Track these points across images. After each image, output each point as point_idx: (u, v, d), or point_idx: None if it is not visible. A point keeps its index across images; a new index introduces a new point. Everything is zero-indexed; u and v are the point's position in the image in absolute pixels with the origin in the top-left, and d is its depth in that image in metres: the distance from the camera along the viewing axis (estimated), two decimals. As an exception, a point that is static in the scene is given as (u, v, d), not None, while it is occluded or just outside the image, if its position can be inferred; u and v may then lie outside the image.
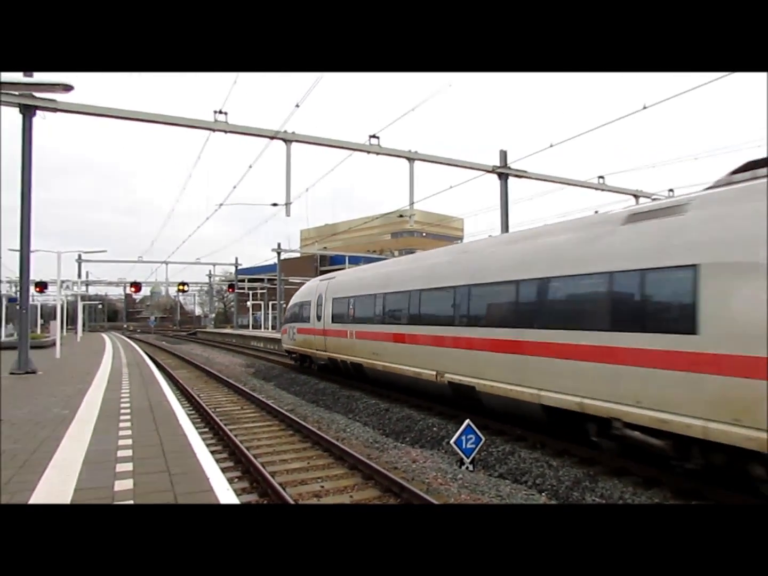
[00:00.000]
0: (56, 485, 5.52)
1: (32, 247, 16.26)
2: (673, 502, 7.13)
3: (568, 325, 8.61)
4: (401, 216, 24.43)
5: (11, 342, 26.76)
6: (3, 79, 10.02)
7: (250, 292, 69.57)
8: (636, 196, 24.48)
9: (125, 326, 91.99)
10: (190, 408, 14.22)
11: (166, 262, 56.11)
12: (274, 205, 20.92)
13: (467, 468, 8.80)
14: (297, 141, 17.91)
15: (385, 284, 15.20)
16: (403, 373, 13.57)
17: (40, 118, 15.59)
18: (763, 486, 6.45)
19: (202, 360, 29.49)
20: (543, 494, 7.87)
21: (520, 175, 21.97)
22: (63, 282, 32.82)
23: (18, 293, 19.29)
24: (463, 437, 8.78)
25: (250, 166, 19.04)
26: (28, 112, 15.33)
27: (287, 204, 18.32)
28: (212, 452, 7.52)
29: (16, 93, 14.55)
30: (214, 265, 69.97)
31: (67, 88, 9.94)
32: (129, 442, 7.45)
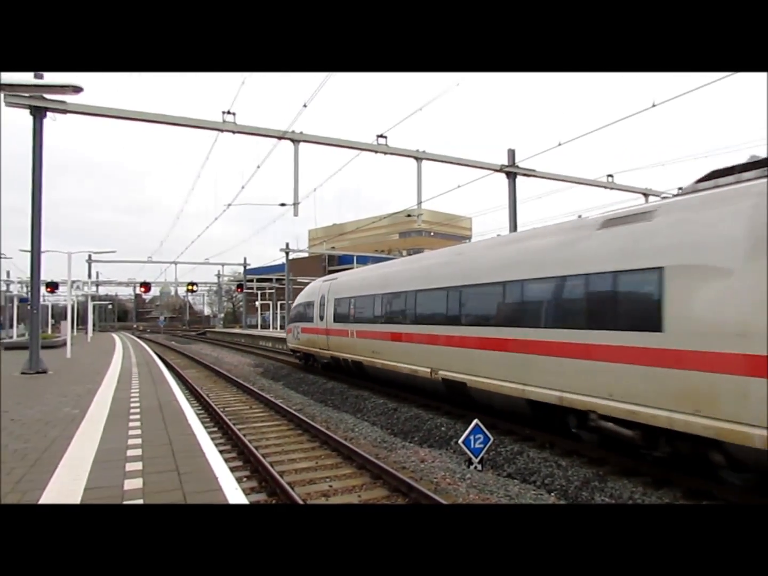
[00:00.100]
0: (67, 484, 5.56)
1: (43, 248, 16.37)
2: (683, 502, 7.08)
3: (548, 323, 9.17)
4: (409, 216, 24.41)
5: (22, 342, 27.01)
6: (13, 81, 10.11)
7: (259, 292, 69.80)
8: (645, 195, 24.33)
9: (135, 326, 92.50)
10: (199, 407, 14.28)
11: (176, 263, 56.47)
12: (282, 205, 20.97)
13: (476, 468, 8.78)
14: (305, 141, 17.96)
15: (384, 285, 15.75)
16: (401, 371, 14.09)
17: (50, 120, 15.71)
18: (723, 471, 6.94)
19: (211, 360, 29.60)
20: (552, 494, 7.84)
21: (529, 174, 21.90)
22: (73, 282, 33.05)
23: (29, 293, 19.44)
24: (472, 437, 8.76)
25: (258, 167, 19.14)
26: (38, 113, 15.45)
27: (295, 204, 18.37)
28: (221, 452, 7.55)
29: (27, 95, 14.68)
30: (222, 265, 70.34)
31: (77, 89, 10.01)
32: (138, 441, 7.49)
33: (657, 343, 7.15)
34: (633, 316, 7.66)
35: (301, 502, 7.06)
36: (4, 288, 58.66)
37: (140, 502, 5.06)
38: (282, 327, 55.56)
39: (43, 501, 5.07)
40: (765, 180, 6.56)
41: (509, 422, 10.57)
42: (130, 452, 6.88)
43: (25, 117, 15.50)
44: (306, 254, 70.91)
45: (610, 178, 23.06)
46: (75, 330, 42.57)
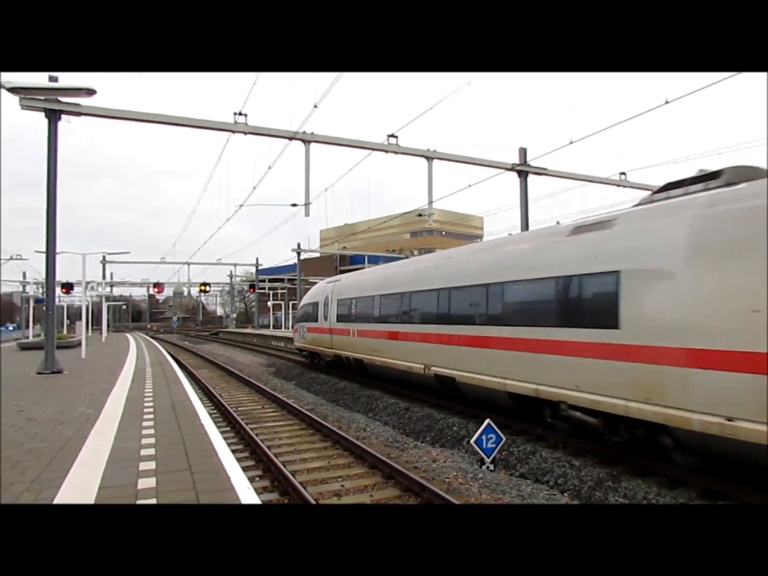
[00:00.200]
0: (82, 483, 5.61)
1: (58, 249, 16.53)
2: (698, 502, 7.01)
3: (525, 322, 9.98)
4: (420, 215, 24.37)
5: (38, 342, 27.32)
6: (29, 84, 10.24)
7: (271, 292, 70.08)
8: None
9: (149, 326, 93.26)
10: (212, 407, 14.35)
11: (188, 263, 56.80)
12: (294, 205, 21.04)
13: (488, 468, 8.75)
14: (316, 141, 17.98)
15: (382, 287, 16.63)
16: (397, 367, 14.90)
17: (64, 122, 15.87)
18: (674, 454, 7.67)
19: (223, 360, 29.76)
20: (565, 494, 7.79)
21: (540, 172, 21.79)
22: (88, 283, 33.40)
23: (45, 294, 19.66)
24: (484, 437, 8.73)
25: (270, 167, 19.18)
26: (53, 116, 15.59)
27: (306, 204, 18.40)
28: (233, 451, 7.58)
29: (42, 98, 14.85)
30: (235, 265, 70.62)
31: (90, 92, 10.14)
32: (152, 440, 7.55)
33: (614, 339, 7.93)
34: (595, 315, 8.39)
35: (313, 501, 7.07)
36: (20, 289, 59.45)
37: (153, 501, 5.10)
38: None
39: (58, 499, 5.12)
40: (704, 193, 7.51)
41: (522, 422, 10.55)
42: (143, 451, 6.93)
43: (40, 119, 15.66)
44: (317, 254, 71.09)
45: (622, 176, 22.87)
46: (90, 330, 42.99)
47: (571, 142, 17.17)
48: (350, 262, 71.41)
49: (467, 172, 20.05)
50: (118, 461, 6.46)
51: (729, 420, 6.38)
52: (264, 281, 69.32)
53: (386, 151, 18.90)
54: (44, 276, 17.33)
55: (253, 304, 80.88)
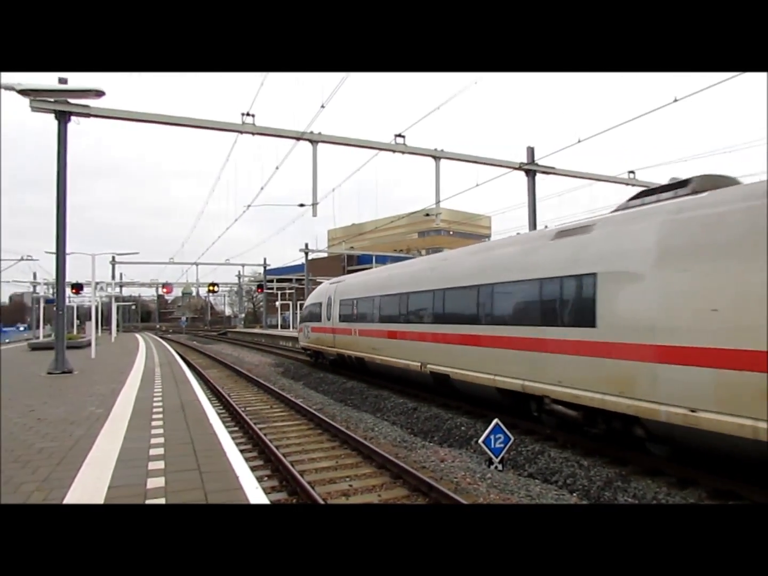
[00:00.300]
0: (91, 482, 5.65)
1: (68, 250, 16.63)
2: (709, 502, 6.96)
3: (511, 321, 10.55)
4: (428, 215, 24.36)
5: (49, 342, 27.52)
6: (39, 87, 10.31)
7: (279, 292, 70.22)
8: (668, 191, 23.94)
9: (158, 326, 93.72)
10: (221, 407, 14.41)
11: (197, 264, 57.04)
12: (302, 205, 21.05)
13: (496, 467, 8.73)
14: (323, 141, 18.00)
15: (381, 287, 17.32)
16: (396, 365, 15.48)
17: (74, 123, 15.97)
18: (647, 443, 8.15)
19: (232, 359, 29.86)
20: (574, 494, 7.76)
21: (548, 171, 21.71)
22: (97, 284, 33.60)
23: (55, 295, 19.80)
24: (492, 436, 8.71)
25: (277, 168, 19.22)
26: (62, 118, 15.69)
27: (314, 204, 18.43)
28: (242, 451, 7.61)
29: (52, 99, 14.96)
30: (243, 265, 70.93)
31: (99, 93, 10.20)
32: (161, 440, 7.58)
33: (592, 337, 8.48)
34: (575, 315, 8.96)
35: (321, 501, 7.08)
36: (31, 290, 59.93)
37: (162, 501, 5.12)
38: (302, 327, 55.81)
39: (68, 499, 5.15)
40: (671, 201, 8.07)
41: (530, 422, 10.53)
42: (152, 451, 6.97)
43: (49, 121, 15.77)
44: (325, 254, 71.12)
45: (631, 175, 22.75)
46: (99, 330, 43.27)
47: (579, 141, 17.10)
48: (358, 262, 71.41)
49: (475, 171, 20.07)
50: (128, 461, 6.50)
51: (692, 411, 6.92)
52: (272, 281, 69.48)
53: (393, 151, 18.90)
54: (54, 277, 17.44)
55: (261, 304, 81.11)
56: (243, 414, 12.70)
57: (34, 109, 15.13)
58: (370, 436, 11.21)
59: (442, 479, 8.19)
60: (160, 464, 6.35)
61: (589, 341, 8.50)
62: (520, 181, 21.90)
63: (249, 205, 23.26)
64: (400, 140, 18.77)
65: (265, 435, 10.62)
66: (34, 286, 58.16)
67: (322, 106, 15.94)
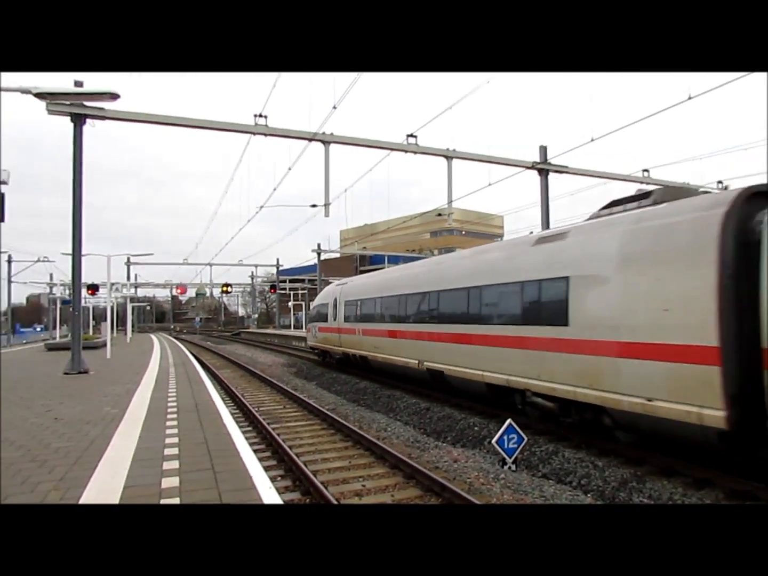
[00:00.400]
0: (107, 482, 5.69)
1: (83, 251, 16.80)
2: (726, 503, 6.88)
3: (497, 321, 11.42)
4: (440, 215, 24.32)
5: (65, 343, 27.84)
6: (55, 90, 10.43)
7: (292, 293, 70.46)
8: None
9: (172, 327, 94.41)
10: (234, 407, 14.49)
11: (210, 264, 57.34)
12: (314, 206, 21.12)
13: (509, 468, 8.70)
14: (335, 142, 18.03)
15: (383, 289, 18.19)
16: (396, 363, 16.35)
17: (89, 126, 16.13)
18: (615, 431, 8.84)
19: (245, 360, 30.00)
20: (588, 495, 7.71)
21: (561, 170, 21.60)
22: (113, 284, 33.91)
23: (71, 296, 20.01)
24: (505, 437, 8.68)
25: (290, 168, 19.31)
26: (78, 120, 15.87)
27: (326, 205, 18.46)
28: (255, 451, 7.63)
29: (68, 102, 15.12)
30: (256, 266, 71.25)
31: (114, 96, 10.30)
32: (175, 440, 7.63)
33: (565, 335, 9.24)
34: (551, 314, 9.67)
35: (334, 501, 7.09)
36: (47, 291, 60.67)
37: (177, 500, 5.15)
38: (314, 327, 55.94)
39: (84, 498, 5.20)
40: (634, 211, 8.88)
41: (543, 422, 10.49)
42: (167, 451, 7.01)
43: (66, 123, 15.94)
44: (338, 255, 71.25)
45: (645, 173, 22.55)
46: (115, 331, 43.68)
47: (592, 140, 17.00)
48: (370, 262, 71.48)
49: (487, 170, 19.92)
50: (143, 460, 6.54)
51: (649, 401, 7.69)
52: (285, 282, 69.71)
53: (406, 151, 18.89)
54: (70, 278, 17.62)
55: (274, 304, 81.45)
56: (256, 414, 12.76)
57: (50, 111, 15.31)
58: (383, 437, 11.21)
59: (455, 479, 8.17)
60: (175, 464, 6.39)
61: (562, 339, 9.30)
62: (533, 181, 21.81)
63: (262, 206, 23.40)
64: (412, 140, 18.77)
65: (278, 435, 10.66)
66: (51, 287, 58.93)
67: (334, 107, 15.97)
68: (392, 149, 18.88)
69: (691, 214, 7.66)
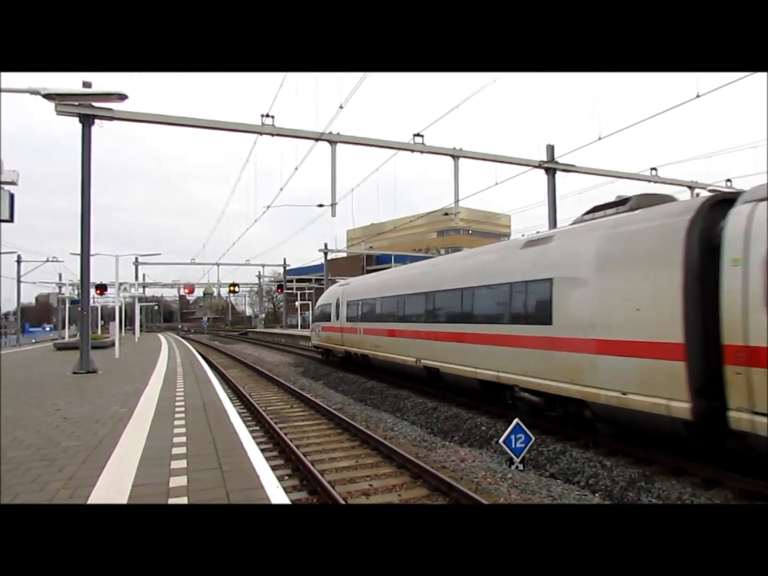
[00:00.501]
0: (115, 481, 5.72)
1: (92, 251, 16.89)
2: (735, 503, 6.83)
3: (488, 320, 11.92)
4: (446, 214, 24.29)
5: (74, 342, 28.01)
6: (63, 91, 10.49)
7: (299, 292, 70.60)
8: (691, 188, 23.58)
9: (180, 327, 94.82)
10: (242, 406, 14.52)
11: (218, 264, 57.58)
12: (321, 206, 21.13)
13: (517, 467, 8.67)
14: (342, 142, 18.04)
15: (383, 289, 18.87)
16: (395, 361, 16.96)
17: (97, 126, 16.22)
18: (596, 424, 9.31)
19: (252, 359, 30.07)
20: (596, 495, 7.68)
21: (568, 169, 21.50)
22: (121, 284, 34.07)
23: (80, 296, 20.12)
24: (513, 436, 8.66)
25: (296, 168, 19.31)
26: (86, 121, 15.96)
27: (333, 204, 18.48)
28: (262, 450, 7.65)
29: (76, 103, 15.20)
30: (263, 266, 71.37)
31: (122, 97, 10.34)
32: (183, 439, 7.66)
33: (549, 333, 9.77)
34: (536, 314, 10.24)
35: (341, 501, 7.10)
36: (56, 290, 61.06)
37: (185, 499, 5.17)
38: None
39: (93, 497, 5.23)
40: (612, 217, 9.47)
41: (551, 421, 10.46)
42: (175, 450, 7.04)
43: (76, 124, 16.03)
44: (344, 254, 71.30)
45: (653, 172, 22.42)
46: (123, 331, 43.87)
47: (600, 138, 16.92)
48: (377, 262, 71.45)
49: (494, 170, 19.88)
50: (151, 459, 6.58)
51: (624, 394, 8.20)
52: (292, 281, 69.84)
53: (412, 151, 18.88)
54: (79, 278, 17.72)
55: (281, 304, 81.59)
56: (264, 413, 12.78)
57: (59, 112, 15.42)
58: (390, 436, 11.21)
59: (463, 479, 8.16)
60: (183, 463, 6.42)
61: (546, 337, 9.84)
62: (540, 179, 21.74)
63: (269, 206, 23.45)
64: (418, 140, 18.75)
65: (285, 434, 10.68)
66: (60, 287, 59.26)
67: (341, 107, 15.98)
68: (399, 149, 18.87)
69: (660, 220, 8.17)
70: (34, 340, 55.10)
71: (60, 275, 57.57)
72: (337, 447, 10.43)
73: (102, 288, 34.78)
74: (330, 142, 17.83)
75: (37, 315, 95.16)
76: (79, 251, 16.63)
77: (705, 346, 7.24)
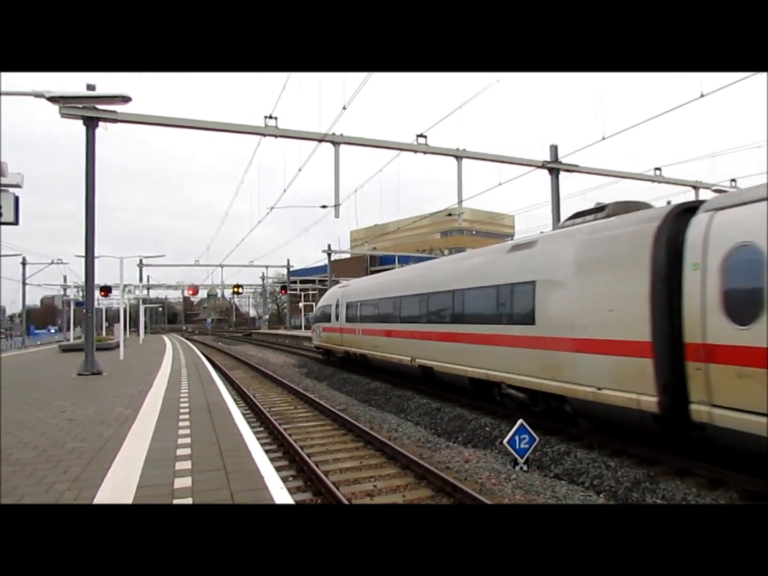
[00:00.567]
0: (120, 482, 5.74)
1: (96, 253, 16.92)
2: (740, 503, 6.80)
3: (477, 321, 12.51)
4: (450, 215, 24.27)
5: (79, 344, 28.07)
6: (67, 94, 10.53)
7: (302, 293, 70.63)
8: (695, 188, 23.51)
9: (184, 328, 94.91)
10: (246, 407, 14.54)
11: (222, 265, 57.68)
12: (324, 207, 21.16)
13: (521, 468, 8.66)
14: (345, 143, 18.05)
15: (380, 291, 19.48)
16: (392, 360, 17.54)
17: (101, 129, 16.26)
18: (577, 419, 9.84)
19: (256, 360, 30.10)
20: (601, 495, 7.67)
21: (572, 169, 21.46)
22: (125, 286, 34.18)
23: (84, 297, 20.17)
24: (517, 437, 8.65)
25: (300, 169, 19.34)
26: (90, 123, 16.00)
27: (336, 205, 18.48)
28: (267, 451, 7.66)
29: (81, 106, 15.25)
30: (266, 267, 71.49)
31: (126, 99, 10.37)
32: (188, 440, 7.68)
33: (532, 333, 10.34)
34: (521, 315, 10.79)
35: (346, 501, 7.10)
36: (61, 292, 61.27)
37: (189, 500, 5.18)
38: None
39: (98, 498, 5.25)
40: (590, 223, 9.99)
41: (556, 422, 10.45)
42: (179, 451, 7.06)
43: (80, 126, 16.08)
44: (348, 255, 71.32)
45: (657, 172, 22.36)
46: (128, 332, 44.00)
47: (603, 138, 16.89)
48: (380, 263, 71.50)
49: (497, 170, 19.86)
50: (156, 461, 6.59)
51: (599, 389, 8.74)
52: (295, 282, 69.89)
53: (415, 151, 18.87)
54: (84, 280, 17.76)
55: (285, 305, 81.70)
56: (268, 414, 12.80)
57: (63, 115, 15.46)
58: (394, 437, 11.21)
59: (467, 480, 8.16)
60: (187, 464, 6.43)
61: (530, 336, 10.40)
62: (544, 180, 21.70)
63: (272, 207, 23.50)
64: (421, 140, 18.74)
65: (289, 435, 10.69)
66: (65, 289, 59.39)
67: (344, 108, 15.99)
68: (402, 149, 18.86)
69: (631, 227, 8.72)
70: (39, 342, 55.30)
71: (65, 277, 57.68)
72: (342, 448, 10.44)
73: (106, 290, 34.95)
74: (333, 143, 17.84)
75: (42, 317, 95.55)
76: (83, 253, 16.67)
77: (671, 345, 7.73)
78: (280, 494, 5.31)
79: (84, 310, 18.77)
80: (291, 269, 66.25)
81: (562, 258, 9.89)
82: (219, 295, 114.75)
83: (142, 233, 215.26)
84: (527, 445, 8.70)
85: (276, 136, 17.49)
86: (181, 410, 10.20)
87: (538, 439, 8.88)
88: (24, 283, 51.01)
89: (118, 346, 26.28)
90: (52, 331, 79.52)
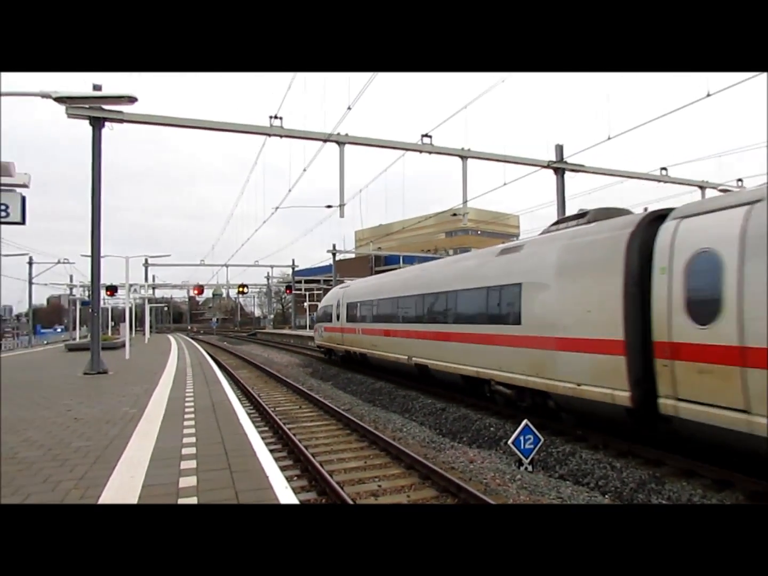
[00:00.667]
0: (126, 481, 5.76)
1: (102, 253, 16.98)
2: (746, 503, 6.77)
3: (468, 321, 13.16)
4: (455, 214, 24.26)
5: (85, 343, 28.20)
6: (74, 94, 10.58)
7: (307, 293, 70.68)
8: (702, 188, 23.41)
9: (189, 327, 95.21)
10: (251, 407, 14.56)
11: (227, 265, 57.80)
12: (329, 207, 21.17)
13: (526, 469, 8.65)
14: (350, 143, 18.07)
15: (379, 292, 20.12)
16: (390, 359, 18.08)
17: (107, 129, 16.32)
18: (561, 414, 10.34)
19: (261, 360, 30.14)
20: (606, 496, 7.64)
21: (577, 169, 21.41)
22: (131, 286, 34.29)
23: (90, 297, 20.25)
24: (521, 437, 8.63)
25: (305, 169, 19.35)
26: (96, 123, 16.07)
27: (341, 205, 18.51)
28: (271, 451, 7.66)
29: (87, 106, 15.32)
30: (271, 267, 71.57)
31: (132, 99, 10.42)
32: (193, 440, 7.69)
33: (518, 332, 10.92)
34: (509, 315, 11.39)
35: (350, 501, 7.10)
36: (67, 292, 61.55)
37: (194, 499, 5.20)
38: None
39: (103, 497, 5.26)
40: (572, 229, 10.58)
41: (560, 422, 10.43)
42: (184, 450, 7.07)
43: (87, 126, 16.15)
44: (353, 255, 71.33)
45: (663, 171, 22.28)
46: (133, 332, 44.14)
47: (609, 138, 16.84)
48: (385, 263, 71.43)
49: (502, 170, 19.83)
50: (161, 460, 6.61)
51: (578, 385, 9.25)
52: (300, 282, 69.95)
53: (420, 151, 18.87)
54: (90, 279, 17.83)
55: (289, 305, 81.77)
56: (272, 414, 12.81)
57: (70, 115, 15.54)
58: (399, 437, 11.21)
59: (471, 480, 8.15)
60: (192, 464, 6.44)
61: (517, 335, 10.96)
62: (549, 180, 21.65)
63: (277, 207, 23.53)
64: (427, 140, 18.73)
65: (294, 435, 10.70)
66: (71, 289, 59.76)
67: (349, 108, 16.00)
68: (407, 149, 18.86)
69: (607, 233, 9.26)
70: (45, 341, 55.59)
71: (71, 277, 58.01)
72: (346, 448, 10.44)
73: (112, 289, 35.04)
74: (338, 143, 17.86)
75: (48, 316, 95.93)
76: (89, 253, 16.74)
77: (642, 343, 8.22)
78: (285, 494, 5.32)
79: (90, 310, 18.85)
80: (296, 269, 66.35)
81: (545, 262, 10.46)
82: (224, 295, 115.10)
83: (146, 232, 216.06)
84: (532, 446, 8.68)
85: (281, 136, 17.52)
86: (186, 410, 10.22)
87: (542, 439, 8.87)
88: (30, 283, 51.23)
89: (123, 345, 26.38)
90: (59, 330, 79.84)
